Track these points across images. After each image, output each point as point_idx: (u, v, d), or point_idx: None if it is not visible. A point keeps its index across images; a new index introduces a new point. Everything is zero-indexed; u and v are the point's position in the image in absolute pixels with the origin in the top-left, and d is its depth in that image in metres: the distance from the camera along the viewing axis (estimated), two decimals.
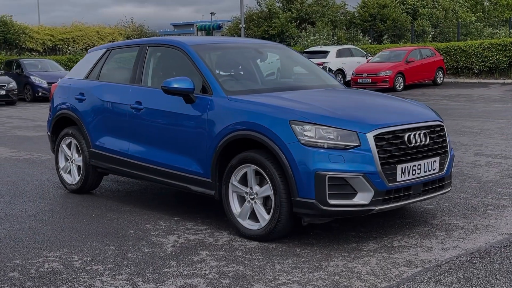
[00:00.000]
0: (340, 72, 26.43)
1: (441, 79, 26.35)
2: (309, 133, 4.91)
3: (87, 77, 7.22)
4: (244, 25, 34.78)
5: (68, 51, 29.77)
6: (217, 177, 5.47)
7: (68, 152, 7.25)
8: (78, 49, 29.86)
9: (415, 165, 5.15)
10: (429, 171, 5.28)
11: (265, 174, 5.09)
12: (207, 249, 5.04)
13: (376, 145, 4.91)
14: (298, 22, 37.40)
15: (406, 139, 5.09)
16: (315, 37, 33.56)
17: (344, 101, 5.82)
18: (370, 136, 4.91)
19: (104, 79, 7.01)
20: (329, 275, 4.40)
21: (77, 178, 7.14)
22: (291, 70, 6.99)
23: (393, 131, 5.05)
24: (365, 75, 24.22)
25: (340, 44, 31.88)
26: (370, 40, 34.00)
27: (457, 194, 6.84)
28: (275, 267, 4.57)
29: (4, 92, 21.56)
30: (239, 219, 5.34)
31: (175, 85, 5.61)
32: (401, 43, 33.38)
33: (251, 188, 5.25)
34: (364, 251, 4.93)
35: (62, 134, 7.30)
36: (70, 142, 7.21)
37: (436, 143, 5.39)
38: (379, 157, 4.91)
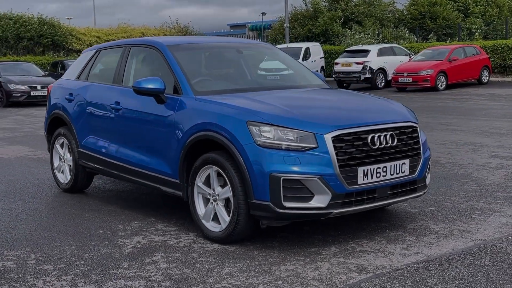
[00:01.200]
0: (382, 71, 25.99)
1: (487, 78, 25.57)
2: (267, 134, 4.81)
3: (78, 77, 7.31)
4: (288, 25, 34.66)
5: None
6: (184, 178, 5.44)
7: (61, 152, 7.36)
8: None
9: (379, 168, 4.98)
10: (397, 173, 5.10)
11: (225, 176, 5.02)
12: (165, 250, 5.00)
13: (335, 147, 4.77)
14: (343, 21, 37.00)
15: (369, 141, 4.93)
16: (360, 36, 33.15)
17: (312, 102, 5.69)
18: (328, 138, 4.78)
19: (91, 79, 7.09)
20: (273, 280, 4.30)
21: (69, 178, 7.23)
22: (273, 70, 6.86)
23: (355, 132, 4.89)
24: (405, 74, 23.70)
25: (385, 43, 31.37)
26: (416, 39, 33.31)
27: (449, 197, 6.61)
28: (223, 271, 4.50)
29: (46, 92, 22.12)
30: (203, 221, 5.29)
31: (145, 85, 5.60)
32: (449, 41, 32.58)
33: (213, 189, 5.19)
34: (322, 256, 4.80)
35: (56, 134, 7.41)
36: (63, 142, 7.30)
37: (406, 145, 5.20)
38: (338, 159, 4.77)
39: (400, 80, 23.83)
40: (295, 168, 4.71)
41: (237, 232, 5.01)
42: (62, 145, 7.35)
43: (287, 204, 4.73)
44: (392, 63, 25.80)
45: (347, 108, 5.47)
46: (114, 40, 30.81)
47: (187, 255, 4.88)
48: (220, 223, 5.16)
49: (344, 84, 26.59)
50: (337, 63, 26.60)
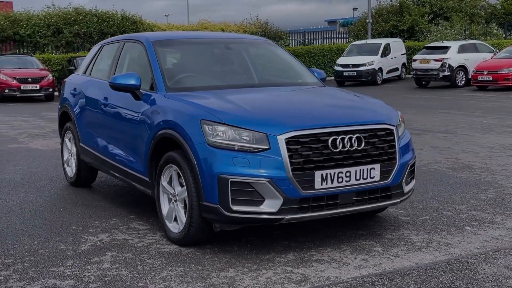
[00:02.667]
0: (462, 69, 24.83)
1: None
2: (222, 134, 4.60)
3: (84, 72, 7.37)
4: (370, 20, 33.85)
5: None
6: (153, 177, 5.33)
7: (69, 146, 7.44)
8: None
9: (341, 172, 4.65)
10: (364, 179, 4.75)
11: (182, 176, 4.86)
12: (119, 250, 4.90)
13: (288, 149, 4.50)
14: (430, 16, 35.70)
15: (330, 143, 4.61)
16: (446, 31, 31.86)
17: (282, 102, 5.38)
18: (281, 139, 4.51)
19: (93, 75, 7.12)
20: (206, 286, 4.10)
21: (74, 172, 7.30)
22: (265, 66, 6.58)
23: (314, 134, 4.59)
24: (485, 72, 22.51)
25: (472, 39, 30.00)
26: (504, 35, 31.62)
27: (455, 206, 6.14)
28: (160, 274, 4.34)
29: None
30: (166, 221, 5.16)
31: (119, 81, 5.53)
32: None
33: (174, 189, 5.05)
34: (272, 263, 4.54)
35: (65, 128, 7.51)
36: (70, 137, 7.39)
37: (377, 149, 4.84)
38: (291, 161, 4.49)
39: (479, 78, 22.68)
40: (244, 170, 4.48)
41: (191, 234, 4.84)
42: (70, 139, 7.43)
43: (235, 208, 4.51)
44: (475, 60, 24.52)
45: (315, 108, 5.15)
46: None
47: (137, 256, 4.76)
48: (179, 224, 5.01)
49: (423, 82, 25.66)
50: (415, 60, 25.67)
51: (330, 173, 4.61)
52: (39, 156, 9.68)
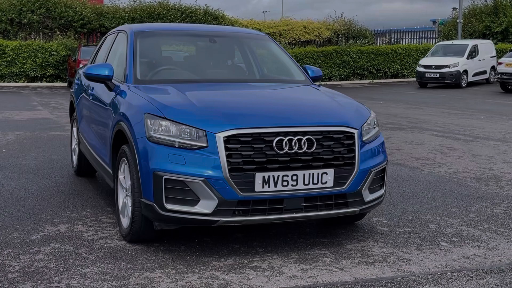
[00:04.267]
0: None
1: None
2: (164, 129, 4.42)
3: (91, 62, 7.38)
4: (461, 20, 32.44)
5: None
6: (114, 170, 5.23)
7: (75, 135, 7.49)
8: (283, 43, 30.52)
9: (287, 175, 4.35)
10: (314, 184, 4.43)
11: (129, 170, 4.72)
12: (65, 242, 4.82)
13: (226, 148, 4.25)
14: None
15: (275, 144, 4.32)
16: None
17: (237, 98, 5.09)
18: (219, 137, 4.26)
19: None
20: (119, 286, 3.94)
21: (76, 161, 7.35)
22: (249, 62, 6.30)
23: (257, 133, 4.32)
24: None
25: None
26: None
27: (448, 219, 5.67)
28: (84, 270, 4.21)
29: None
30: (120, 215, 5.04)
31: (91, 71, 5.46)
32: None
33: (126, 183, 4.92)
34: (206, 267, 4.31)
35: (72, 117, 7.57)
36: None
37: (333, 152, 4.49)
38: (229, 161, 4.24)
39: None
40: (179, 168, 4.28)
41: (134, 231, 4.70)
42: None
43: (169, 206, 4.32)
44: None
45: (269, 106, 4.85)
46: (275, 32, 31.16)
47: (77, 249, 4.66)
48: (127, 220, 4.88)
49: (509, 87, 24.26)
50: (500, 63, 24.30)
51: (274, 176, 4.32)
52: (68, 145, 9.84)
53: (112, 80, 5.49)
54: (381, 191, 4.90)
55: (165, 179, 4.28)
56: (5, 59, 25.60)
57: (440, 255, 4.65)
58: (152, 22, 28.70)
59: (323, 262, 4.44)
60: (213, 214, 4.27)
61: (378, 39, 35.71)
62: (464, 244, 4.93)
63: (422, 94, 23.23)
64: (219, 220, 4.29)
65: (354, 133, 4.59)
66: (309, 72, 6.09)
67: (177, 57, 5.97)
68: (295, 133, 4.39)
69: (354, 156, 4.57)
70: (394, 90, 25.84)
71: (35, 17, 27.31)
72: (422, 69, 26.91)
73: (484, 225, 5.48)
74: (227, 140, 4.26)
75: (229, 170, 4.23)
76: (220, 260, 4.47)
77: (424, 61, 27.40)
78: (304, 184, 4.40)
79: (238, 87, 5.46)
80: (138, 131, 4.53)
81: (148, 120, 4.48)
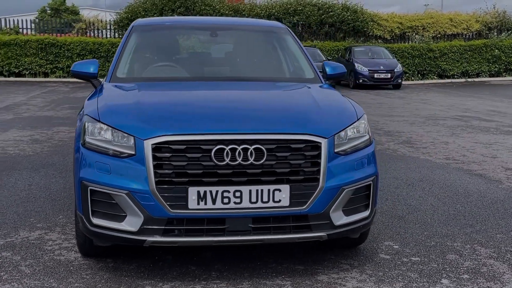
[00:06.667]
0: None
1: None
2: (104, 133, 3.92)
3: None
4: None
5: (415, 39, 28.86)
6: None
7: None
8: (426, 37, 28.74)
9: (227, 191, 3.67)
10: (264, 202, 3.70)
11: None
12: (16, 251, 4.45)
13: (155, 156, 3.66)
14: None
15: (213, 154, 3.67)
16: None
17: (193, 100, 4.42)
18: (148, 144, 3.68)
19: None
20: None
21: None
22: (252, 57, 5.56)
23: (193, 141, 3.68)
24: None
25: None
26: None
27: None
28: (4, 286, 3.86)
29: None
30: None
31: (76, 68, 5.10)
32: None
33: None
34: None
35: None
36: None
37: (289, 165, 3.74)
38: (157, 172, 3.65)
39: None
40: (104, 178, 3.76)
41: (79, 245, 4.27)
42: None
43: (95, 221, 3.82)
44: None
45: (222, 110, 4.11)
46: (417, 26, 29.50)
47: (22, 260, 4.29)
48: None
49: None
50: None
51: (211, 191, 3.66)
52: None
53: (98, 78, 5.10)
54: (365, 213, 4.03)
55: (91, 190, 3.80)
56: None
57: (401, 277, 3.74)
58: (288, 19, 28.36)
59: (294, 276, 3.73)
60: (139, 233, 3.71)
61: None
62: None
63: None
64: (146, 240, 3.72)
65: (320, 143, 3.79)
66: (327, 69, 5.27)
67: (173, 53, 5.44)
68: (242, 141, 3.69)
69: (319, 170, 3.77)
70: None
71: (175, 15, 28.10)
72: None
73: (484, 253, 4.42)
74: (156, 148, 3.67)
75: (157, 182, 3.64)
76: (158, 284, 3.89)
77: None
78: (251, 202, 3.69)
79: (217, 87, 4.80)
80: (79, 135, 4.10)
81: (87, 124, 4.02)
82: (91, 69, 5.02)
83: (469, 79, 28.53)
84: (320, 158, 3.77)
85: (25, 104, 15.63)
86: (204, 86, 4.80)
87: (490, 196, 6.29)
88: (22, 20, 29.91)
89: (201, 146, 3.67)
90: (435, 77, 28.31)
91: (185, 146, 3.67)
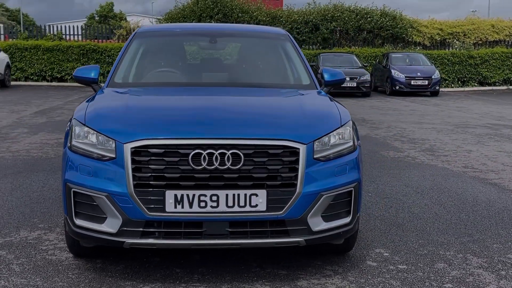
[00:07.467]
0: None
1: None
2: (86, 137, 4.03)
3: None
4: None
5: (455, 46, 28.41)
6: None
7: None
8: (467, 44, 28.26)
9: (204, 195, 3.73)
10: (241, 206, 3.75)
11: None
12: (13, 251, 4.58)
13: (133, 160, 3.75)
14: None
15: (190, 158, 3.73)
16: None
17: (179, 105, 4.50)
18: (127, 147, 3.77)
19: None
20: None
21: None
22: (250, 64, 5.59)
23: (173, 145, 3.75)
24: None
25: None
26: None
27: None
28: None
29: (354, 84, 22.13)
30: None
31: (77, 74, 5.23)
32: None
33: None
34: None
35: None
36: None
37: (266, 171, 3.77)
38: (135, 175, 3.73)
39: None
40: (86, 180, 3.87)
41: (68, 244, 4.38)
42: None
43: (78, 222, 3.93)
44: None
45: (203, 115, 4.13)
46: (458, 32, 29.05)
47: (15, 259, 4.43)
48: None
49: None
50: None
51: (188, 195, 3.73)
52: None
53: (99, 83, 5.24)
54: (346, 219, 4.03)
55: (74, 192, 3.91)
56: None
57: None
58: (326, 25, 28.29)
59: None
60: (118, 234, 3.80)
61: None
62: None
63: None
64: (124, 242, 3.80)
65: (298, 149, 3.81)
66: (325, 75, 5.28)
67: (172, 59, 5.53)
68: (219, 146, 3.75)
69: (296, 176, 3.79)
70: None
71: (212, 21, 28.38)
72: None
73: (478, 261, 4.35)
74: (135, 152, 3.75)
75: (135, 185, 3.73)
76: (137, 286, 3.96)
77: None
78: (228, 206, 3.74)
79: (208, 93, 4.85)
80: (67, 138, 4.22)
81: (74, 127, 4.13)
82: (92, 74, 5.15)
83: (511, 87, 27.94)
84: (298, 164, 3.80)
85: (60, 108, 16.02)
86: (196, 92, 4.87)
87: (498, 205, 6.18)
88: (65, 26, 30.67)
89: (179, 150, 3.74)
90: (476, 84, 27.84)
91: (163, 150, 3.74)
